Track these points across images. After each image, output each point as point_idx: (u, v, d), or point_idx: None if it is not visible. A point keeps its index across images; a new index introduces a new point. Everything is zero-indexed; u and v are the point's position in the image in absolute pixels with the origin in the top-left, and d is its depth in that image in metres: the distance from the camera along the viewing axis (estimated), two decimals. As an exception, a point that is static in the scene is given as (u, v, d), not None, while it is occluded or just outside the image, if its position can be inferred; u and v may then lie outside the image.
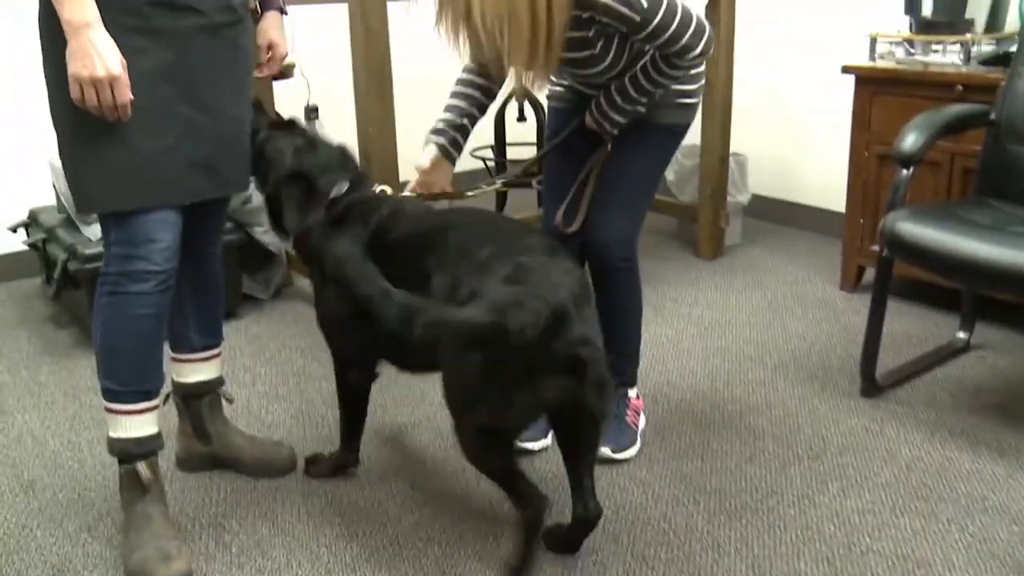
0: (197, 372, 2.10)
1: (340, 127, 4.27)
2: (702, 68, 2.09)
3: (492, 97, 2.15)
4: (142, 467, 1.87)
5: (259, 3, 1.99)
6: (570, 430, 1.74)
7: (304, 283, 3.42)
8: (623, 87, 1.99)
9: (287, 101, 4.04)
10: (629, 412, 2.24)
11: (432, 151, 2.10)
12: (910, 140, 2.36)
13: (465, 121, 2.12)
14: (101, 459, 2.24)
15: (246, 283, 3.25)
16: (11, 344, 3.00)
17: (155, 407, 1.89)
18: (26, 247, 3.27)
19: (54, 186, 3.06)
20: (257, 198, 3.19)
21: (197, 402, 2.12)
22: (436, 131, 2.11)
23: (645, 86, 1.97)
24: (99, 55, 1.57)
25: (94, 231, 2.88)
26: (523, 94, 3.48)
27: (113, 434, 1.87)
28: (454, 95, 2.13)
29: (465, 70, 2.13)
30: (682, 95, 2.07)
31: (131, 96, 1.63)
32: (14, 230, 3.29)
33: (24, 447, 2.34)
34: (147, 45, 1.67)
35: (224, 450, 2.16)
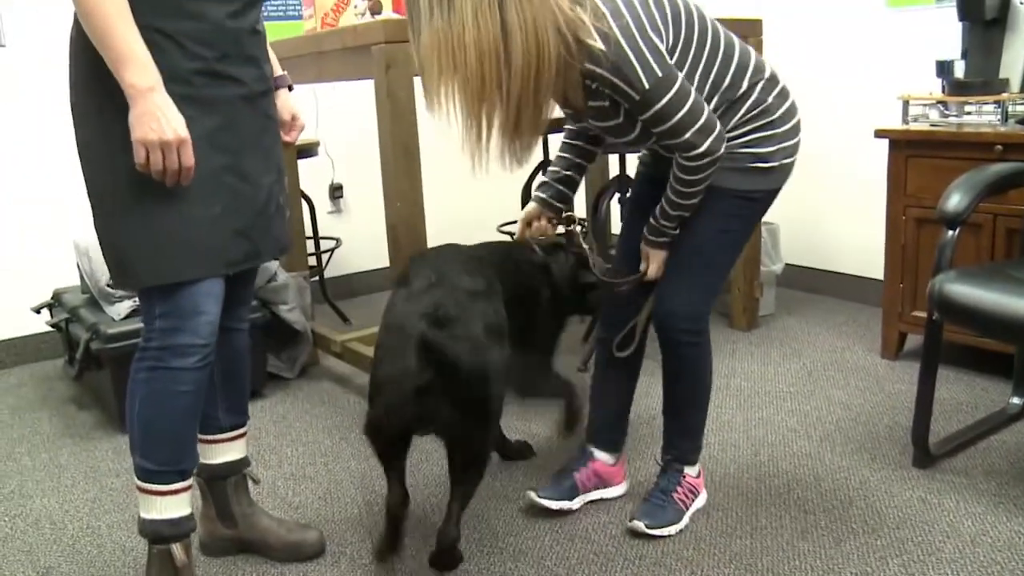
0: (224, 453, 2.03)
1: (366, 204, 4.31)
2: (781, 130, 1.92)
3: (598, 145, 2.13)
4: (177, 549, 1.80)
5: (274, 80, 1.98)
6: (449, 457, 1.86)
7: (330, 362, 3.36)
8: (662, 208, 1.92)
9: (312, 180, 4.06)
10: (679, 489, 2.13)
11: (531, 207, 2.13)
12: (955, 200, 2.29)
13: (571, 172, 2.12)
14: (121, 544, 2.15)
15: (271, 362, 3.19)
16: (32, 426, 2.94)
17: (189, 487, 1.82)
18: (49, 328, 3.23)
19: (78, 266, 3.04)
20: (282, 276, 3.16)
21: (222, 483, 2.04)
22: (541, 185, 2.13)
23: (676, 199, 1.88)
24: (167, 119, 1.55)
25: (117, 310, 2.84)
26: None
27: (145, 515, 1.79)
28: (562, 147, 2.13)
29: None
30: (754, 159, 1.90)
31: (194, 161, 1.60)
32: (37, 311, 3.26)
33: (42, 532, 2.25)
34: (194, 114, 1.64)
35: (250, 532, 2.07)
